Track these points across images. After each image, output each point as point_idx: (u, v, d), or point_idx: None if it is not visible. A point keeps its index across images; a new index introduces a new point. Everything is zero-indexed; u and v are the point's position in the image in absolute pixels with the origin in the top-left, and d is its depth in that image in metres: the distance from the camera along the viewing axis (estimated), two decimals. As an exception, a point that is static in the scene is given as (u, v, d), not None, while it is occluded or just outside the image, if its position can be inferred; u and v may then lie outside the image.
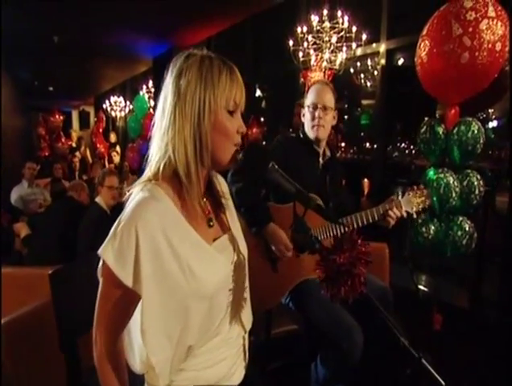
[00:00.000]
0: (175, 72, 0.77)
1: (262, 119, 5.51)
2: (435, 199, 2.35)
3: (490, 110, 3.16)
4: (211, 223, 0.84)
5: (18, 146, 8.06)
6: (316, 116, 1.68)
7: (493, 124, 3.18)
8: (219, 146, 0.78)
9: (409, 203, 1.60)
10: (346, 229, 1.53)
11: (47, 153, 7.64)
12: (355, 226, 1.52)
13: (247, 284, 0.92)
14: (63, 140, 7.57)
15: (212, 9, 4.54)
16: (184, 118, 0.74)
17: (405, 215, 1.55)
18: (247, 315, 0.92)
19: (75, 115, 13.17)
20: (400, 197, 1.62)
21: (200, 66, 0.76)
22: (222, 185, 0.94)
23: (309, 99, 1.72)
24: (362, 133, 4.79)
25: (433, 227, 2.46)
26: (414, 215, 1.60)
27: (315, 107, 1.69)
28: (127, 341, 0.80)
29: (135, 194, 0.76)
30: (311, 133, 1.71)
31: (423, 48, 2.26)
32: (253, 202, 1.53)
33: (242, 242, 0.91)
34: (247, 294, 0.92)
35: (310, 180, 1.60)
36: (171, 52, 5.91)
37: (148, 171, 0.79)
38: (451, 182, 2.30)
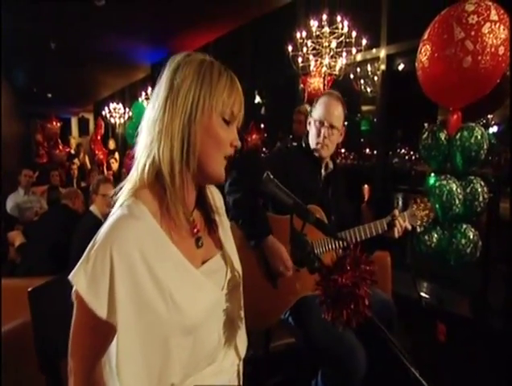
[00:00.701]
0: (173, 66, 0.72)
1: (262, 126, 5.48)
2: (437, 206, 2.29)
3: (489, 116, 3.12)
4: (199, 243, 0.77)
5: (17, 153, 8.01)
6: (322, 134, 1.58)
7: (493, 129, 3.13)
8: (208, 153, 0.71)
9: (413, 216, 1.54)
10: (348, 242, 1.47)
11: (45, 160, 7.58)
12: (358, 239, 1.46)
13: (242, 306, 0.85)
14: (60, 147, 7.51)
15: (211, 14, 4.52)
16: (175, 112, 0.69)
17: (410, 227, 1.49)
18: (242, 341, 0.85)
19: (74, 122, 13.16)
20: (400, 208, 1.57)
21: (200, 64, 0.71)
22: (216, 199, 0.86)
23: (316, 112, 1.61)
24: (362, 139, 4.76)
25: (436, 235, 2.40)
26: (419, 229, 1.54)
27: (321, 123, 1.59)
28: (108, 370, 0.72)
29: (114, 210, 0.69)
30: (313, 149, 1.63)
31: (424, 53, 2.22)
32: (251, 213, 1.46)
33: (237, 262, 0.84)
34: (242, 318, 0.84)
35: (311, 193, 1.54)
36: (168, 59, 5.87)
37: (134, 172, 0.73)
38: (454, 188, 2.24)
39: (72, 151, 8.08)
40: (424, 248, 2.43)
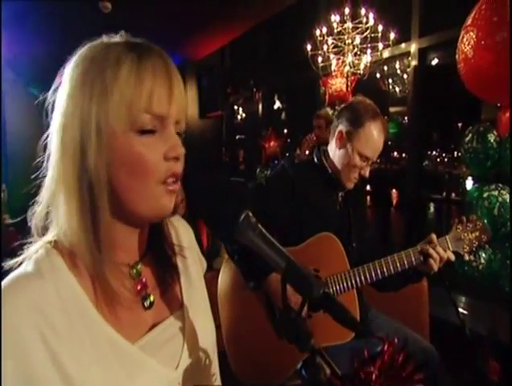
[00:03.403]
0: (65, 75, 0.49)
1: (285, 131, 5.27)
2: (486, 221, 1.94)
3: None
4: (147, 304, 0.53)
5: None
6: (360, 168, 1.35)
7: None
8: (131, 189, 0.47)
9: (458, 241, 1.23)
10: (376, 277, 1.20)
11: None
12: (385, 275, 1.19)
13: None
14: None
15: (224, 16, 4.32)
16: (63, 150, 0.46)
17: (453, 257, 1.20)
18: None
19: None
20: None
21: (92, 59, 0.47)
22: (181, 235, 0.62)
23: (362, 143, 1.33)
24: (390, 142, 4.47)
25: (484, 255, 2.04)
26: (466, 257, 1.26)
27: (366, 159, 1.34)
28: None
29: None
30: (342, 178, 1.37)
31: (468, 41, 1.90)
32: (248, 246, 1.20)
33: (204, 325, 0.58)
34: None
35: (327, 218, 1.30)
36: (183, 65, 5.72)
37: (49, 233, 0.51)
38: (508, 200, 1.90)
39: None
40: (469, 271, 2.08)
